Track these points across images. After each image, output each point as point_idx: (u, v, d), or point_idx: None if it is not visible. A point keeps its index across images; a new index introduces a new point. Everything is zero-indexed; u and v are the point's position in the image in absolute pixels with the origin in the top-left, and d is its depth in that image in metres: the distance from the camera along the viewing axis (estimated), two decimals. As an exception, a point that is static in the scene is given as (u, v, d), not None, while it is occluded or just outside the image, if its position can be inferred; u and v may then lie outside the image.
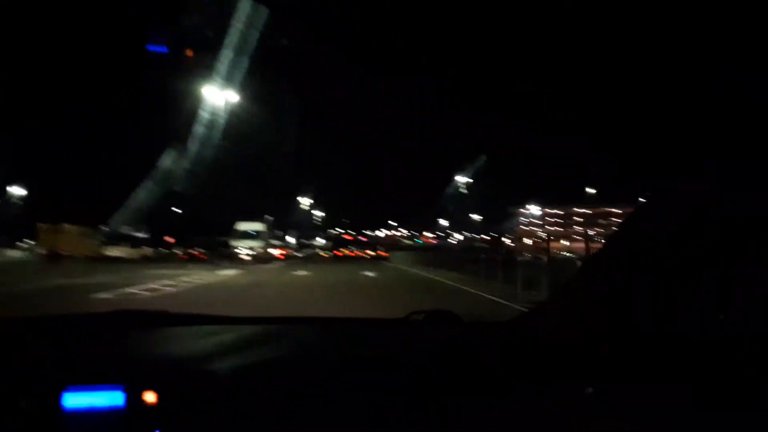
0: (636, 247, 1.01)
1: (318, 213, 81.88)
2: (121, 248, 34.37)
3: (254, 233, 33.47)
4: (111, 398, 1.00)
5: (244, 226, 34.09)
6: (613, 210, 68.92)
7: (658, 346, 0.91)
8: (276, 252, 40.45)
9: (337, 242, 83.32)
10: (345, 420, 0.96)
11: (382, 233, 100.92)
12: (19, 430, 0.97)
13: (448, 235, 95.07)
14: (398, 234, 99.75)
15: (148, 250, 37.39)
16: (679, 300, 0.91)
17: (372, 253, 62.91)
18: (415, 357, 1.20)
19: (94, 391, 1.00)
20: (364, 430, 0.95)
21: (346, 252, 70.17)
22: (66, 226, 34.38)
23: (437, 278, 19.98)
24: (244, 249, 31.27)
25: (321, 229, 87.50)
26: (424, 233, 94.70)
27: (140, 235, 38.82)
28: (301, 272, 22.03)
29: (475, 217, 79.13)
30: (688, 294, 0.91)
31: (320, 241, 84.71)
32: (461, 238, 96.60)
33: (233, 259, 30.47)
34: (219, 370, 1.12)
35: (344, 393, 1.02)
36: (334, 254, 63.45)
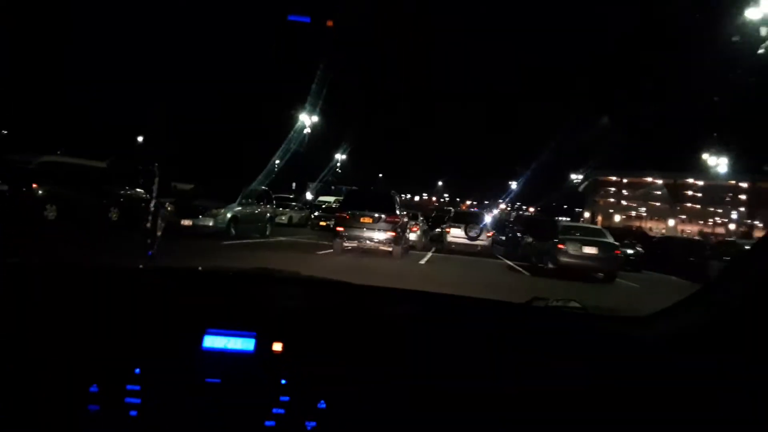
0: None
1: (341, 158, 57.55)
2: None
3: None
4: (244, 343, 1.19)
5: None
6: (741, 184, 54.03)
7: None
8: None
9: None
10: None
11: (418, 198, 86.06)
12: (166, 365, 1.15)
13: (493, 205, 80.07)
14: (435, 200, 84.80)
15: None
16: None
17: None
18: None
19: (230, 335, 1.19)
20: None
21: (369, 222, 13.95)
22: None
23: None
24: None
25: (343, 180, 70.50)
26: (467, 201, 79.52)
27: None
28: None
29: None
30: None
31: (328, 198, 65.98)
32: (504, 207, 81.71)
33: None
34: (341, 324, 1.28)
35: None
36: (335, 228, 14.30)
